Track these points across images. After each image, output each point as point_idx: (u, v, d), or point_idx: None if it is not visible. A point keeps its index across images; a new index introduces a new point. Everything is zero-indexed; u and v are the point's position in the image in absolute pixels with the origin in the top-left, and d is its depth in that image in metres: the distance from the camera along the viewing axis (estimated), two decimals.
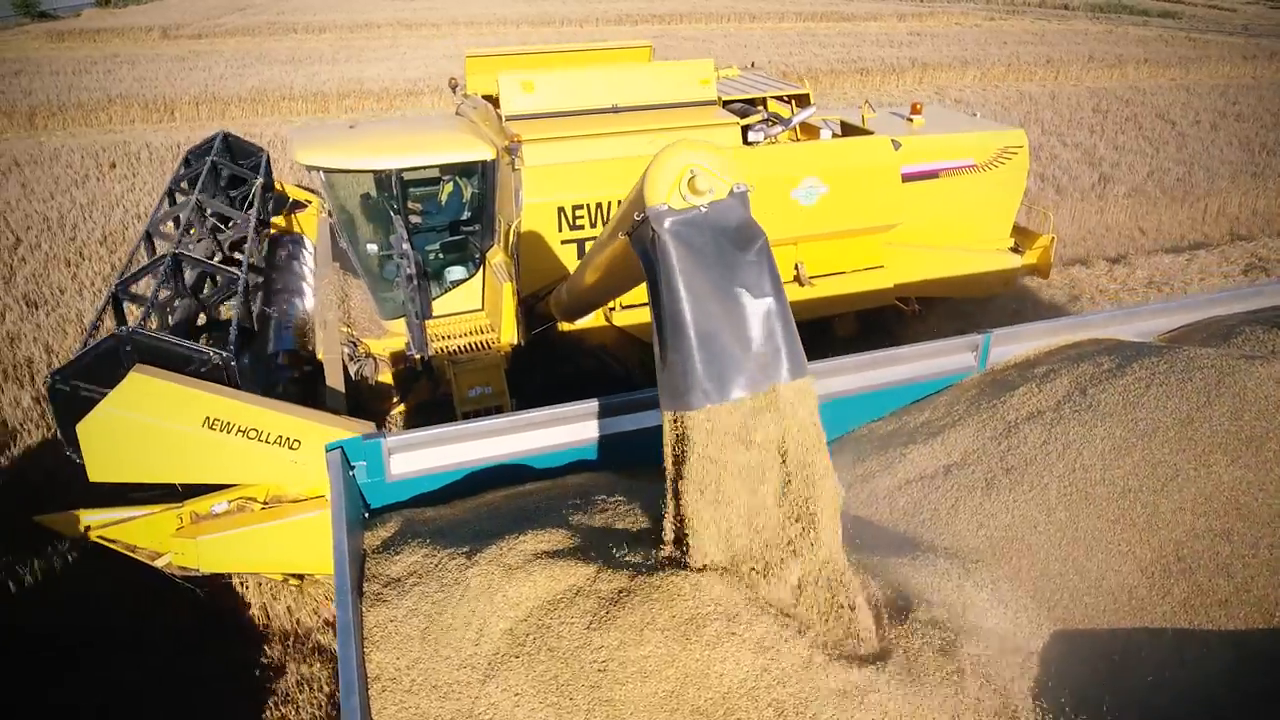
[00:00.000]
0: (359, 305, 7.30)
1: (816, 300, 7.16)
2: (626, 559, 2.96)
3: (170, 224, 6.72)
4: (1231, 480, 3.39)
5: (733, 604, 2.59)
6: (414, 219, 7.03)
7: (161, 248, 6.27)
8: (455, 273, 7.10)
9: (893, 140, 7.18)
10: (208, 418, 4.59)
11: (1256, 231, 12.98)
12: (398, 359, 7.16)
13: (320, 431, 4.93)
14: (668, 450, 2.78)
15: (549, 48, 7.91)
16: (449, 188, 7.02)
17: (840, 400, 4.39)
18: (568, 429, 4.12)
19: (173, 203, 6.91)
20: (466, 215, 7.07)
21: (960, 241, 7.95)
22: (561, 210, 6.34)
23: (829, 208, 7.01)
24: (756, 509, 2.64)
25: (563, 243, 6.46)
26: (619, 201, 6.24)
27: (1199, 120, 19.47)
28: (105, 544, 5.03)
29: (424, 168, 6.62)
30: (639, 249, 2.80)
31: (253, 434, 4.71)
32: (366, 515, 3.97)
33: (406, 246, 6.23)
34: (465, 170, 6.75)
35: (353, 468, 3.97)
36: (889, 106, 8.86)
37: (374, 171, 6.50)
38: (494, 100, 7.12)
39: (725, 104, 7.33)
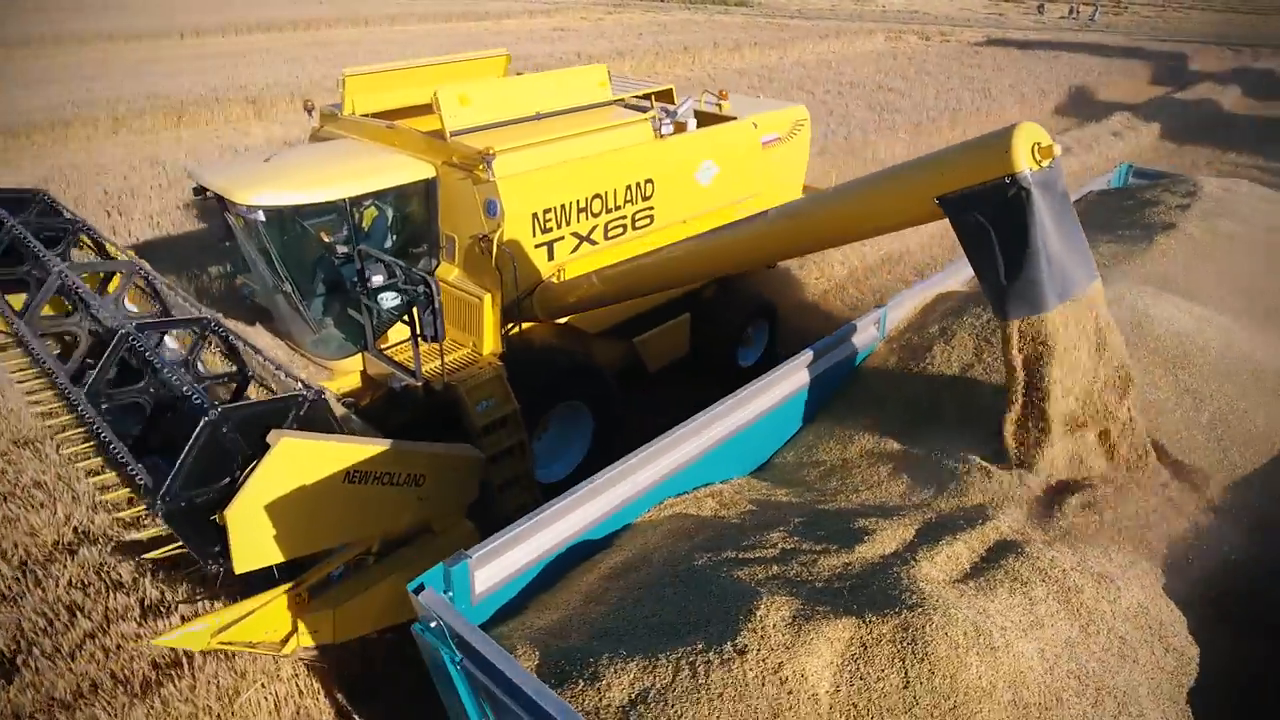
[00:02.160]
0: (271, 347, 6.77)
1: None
2: (869, 587, 3.19)
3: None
4: None
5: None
6: (341, 248, 6.72)
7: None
8: (375, 284, 6.89)
9: (753, 122, 8.45)
10: (350, 471, 4.38)
11: None
12: (364, 393, 6.85)
13: (442, 459, 4.93)
14: (1015, 354, 3.79)
15: (409, 64, 7.82)
16: (387, 211, 6.81)
17: (797, 397, 5.44)
18: (649, 471, 4.23)
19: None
20: (411, 237, 6.93)
21: (768, 201, 9.29)
22: (535, 216, 6.60)
23: (720, 185, 8.08)
24: (1092, 376, 3.73)
25: (536, 247, 6.72)
26: (580, 201, 6.75)
27: (829, 90, 23.87)
28: (226, 648, 4.50)
29: (378, 193, 6.42)
30: (975, 207, 3.72)
31: (386, 479, 4.59)
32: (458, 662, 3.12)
33: (379, 279, 6.02)
34: (406, 192, 6.63)
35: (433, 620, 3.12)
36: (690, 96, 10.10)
37: (335, 202, 6.16)
38: (388, 115, 7.07)
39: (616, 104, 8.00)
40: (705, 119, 8.64)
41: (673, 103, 8.36)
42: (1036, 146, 3.65)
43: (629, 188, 7.23)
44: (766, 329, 9.21)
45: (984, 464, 3.96)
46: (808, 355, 5.41)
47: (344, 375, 6.89)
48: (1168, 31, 45.52)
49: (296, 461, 4.14)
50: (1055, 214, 3.63)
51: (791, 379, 5.34)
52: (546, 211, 6.66)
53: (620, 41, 32.10)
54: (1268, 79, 29.87)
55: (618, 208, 7.22)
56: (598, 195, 7.00)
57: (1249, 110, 25.05)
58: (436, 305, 5.62)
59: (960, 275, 6.81)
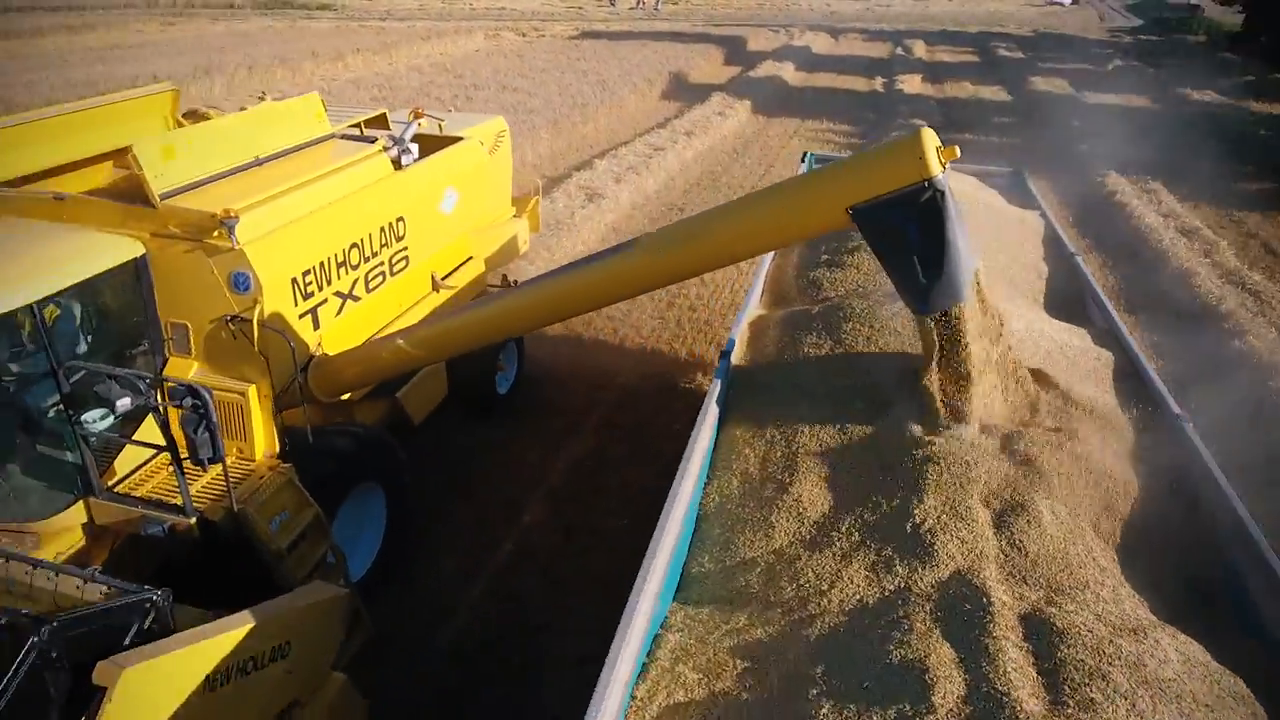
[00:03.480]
0: None
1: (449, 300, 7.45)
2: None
3: None
4: None
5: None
6: (16, 366, 5.02)
7: None
8: (122, 408, 5.35)
9: (479, 139, 7.95)
10: (210, 677, 3.35)
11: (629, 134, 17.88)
12: (94, 550, 5.24)
13: (305, 613, 4.05)
14: (935, 341, 4.04)
15: (43, 114, 5.96)
16: (75, 309, 5.17)
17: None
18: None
19: None
20: (119, 335, 5.36)
21: (489, 219, 8.88)
22: (295, 281, 5.50)
23: (461, 212, 7.52)
24: (982, 328, 4.12)
25: (300, 317, 5.63)
26: (339, 254, 5.81)
27: (457, 94, 23.50)
28: None
29: (68, 290, 4.83)
30: (891, 214, 3.83)
31: (250, 666, 3.63)
32: None
33: (125, 401, 4.59)
34: (103, 281, 5.08)
35: None
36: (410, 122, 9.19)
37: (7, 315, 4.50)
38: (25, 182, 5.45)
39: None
40: (427, 143, 7.94)
41: (388, 128, 7.53)
42: (939, 149, 3.89)
43: (383, 230, 6.40)
44: (515, 350, 8.86)
45: (926, 456, 3.96)
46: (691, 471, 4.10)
47: (57, 536, 5.17)
48: (721, 16, 52.44)
49: (144, 696, 3.02)
50: (955, 208, 3.93)
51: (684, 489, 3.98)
52: (306, 273, 5.62)
53: (200, 56, 28.29)
54: (806, 54, 35.92)
55: (375, 254, 6.35)
56: (355, 244, 6.09)
57: (804, 83, 29.93)
58: (212, 419, 4.44)
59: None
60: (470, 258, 7.99)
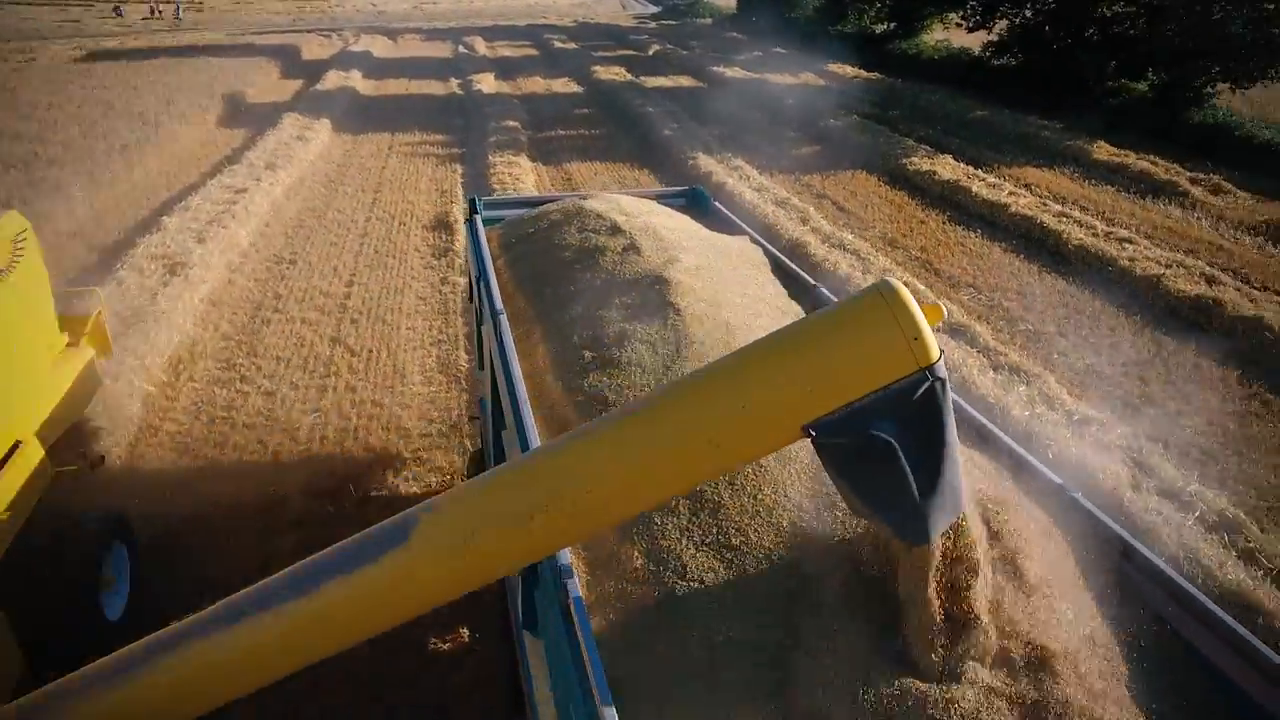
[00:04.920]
0: None
1: None
2: None
3: None
4: None
5: None
6: None
7: None
8: None
9: None
10: None
11: (195, 176, 14.08)
12: None
13: None
14: (934, 566, 2.68)
15: None
16: None
17: None
18: None
19: None
20: None
21: (27, 372, 5.74)
22: None
23: None
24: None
25: None
26: None
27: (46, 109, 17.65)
28: None
29: None
30: (869, 424, 2.50)
31: None
32: None
33: None
34: None
35: None
36: None
37: None
38: None
39: None
40: None
41: None
42: (923, 311, 2.51)
43: None
44: (126, 553, 6.10)
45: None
46: None
47: None
48: (258, 24, 47.40)
49: None
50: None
51: None
52: None
53: None
54: (369, 60, 33.93)
55: None
56: None
57: (379, 91, 28.17)
58: None
59: None
60: (18, 443, 5.32)
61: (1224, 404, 8.79)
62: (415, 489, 7.22)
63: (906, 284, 13.22)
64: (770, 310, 4.34)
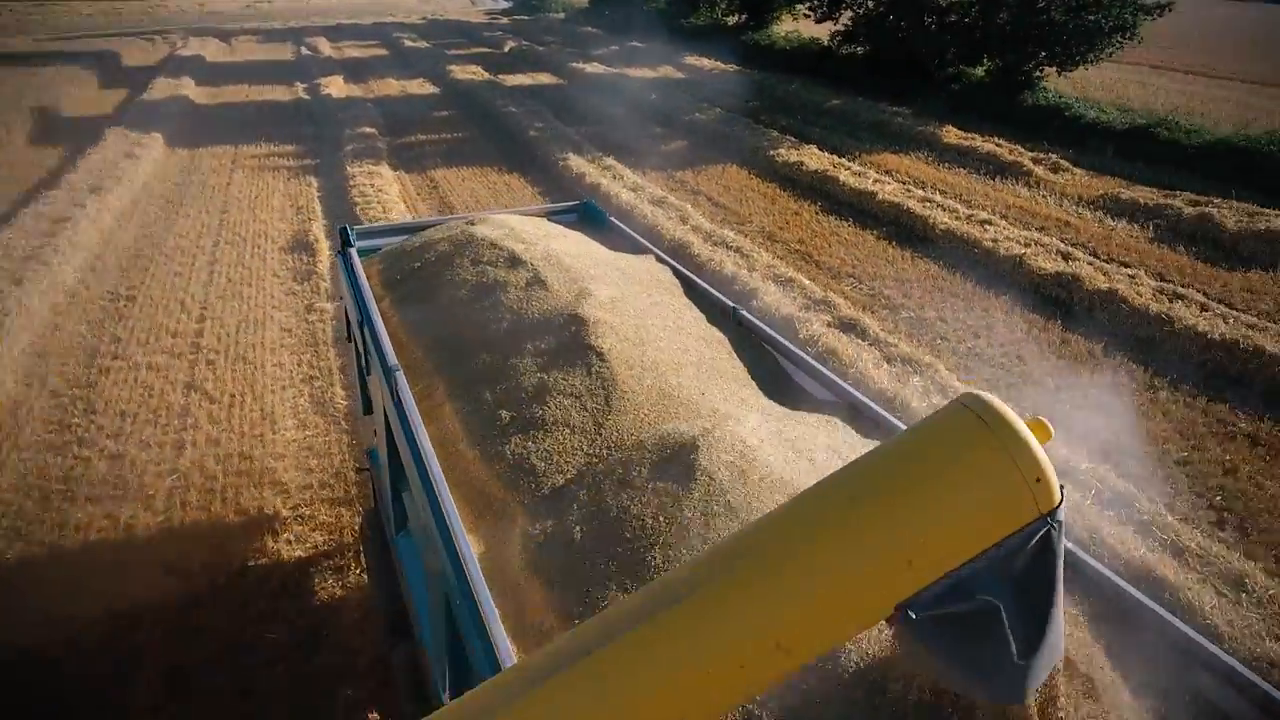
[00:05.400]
0: None
1: None
2: None
3: None
4: None
5: None
6: None
7: None
8: None
9: None
10: None
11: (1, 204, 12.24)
12: None
13: None
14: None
15: None
16: None
17: None
18: None
19: None
20: None
21: None
22: None
23: None
24: None
25: None
26: None
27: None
28: None
29: None
30: (976, 587, 2.04)
31: None
32: None
33: None
34: None
35: None
36: None
37: None
38: None
39: None
40: None
41: None
42: (1035, 430, 2.08)
43: None
44: None
45: None
46: None
47: None
48: (65, 27, 43.10)
49: None
50: None
51: None
52: None
53: None
54: (201, 65, 31.43)
55: None
56: None
57: (215, 99, 26.08)
58: None
59: None
60: None
61: (1093, 376, 9.27)
62: (299, 552, 6.49)
63: (793, 280, 12.89)
64: (695, 343, 4.01)
